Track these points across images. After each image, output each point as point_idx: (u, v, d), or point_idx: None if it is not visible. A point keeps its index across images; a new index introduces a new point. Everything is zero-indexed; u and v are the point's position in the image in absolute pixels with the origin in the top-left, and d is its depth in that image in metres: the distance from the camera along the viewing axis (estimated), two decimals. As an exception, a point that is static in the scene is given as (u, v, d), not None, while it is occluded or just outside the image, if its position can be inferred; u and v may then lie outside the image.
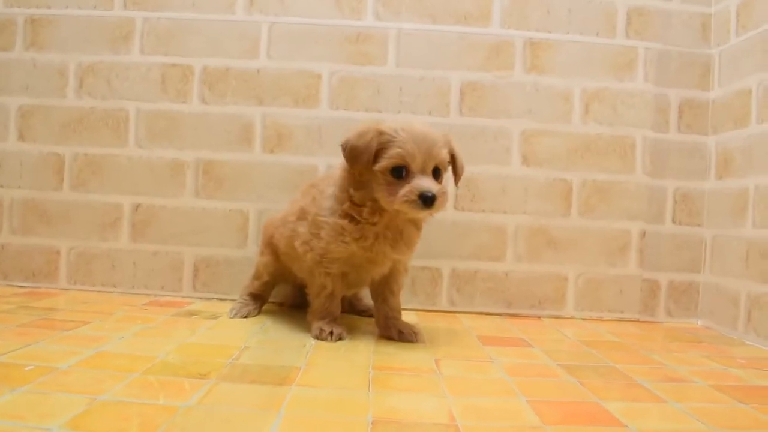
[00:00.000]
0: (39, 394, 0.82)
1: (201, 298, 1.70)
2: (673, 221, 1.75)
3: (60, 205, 1.73)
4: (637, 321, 1.73)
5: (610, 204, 1.74)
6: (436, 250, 1.70)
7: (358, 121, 1.67)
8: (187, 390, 0.87)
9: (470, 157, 1.69)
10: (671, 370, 1.17)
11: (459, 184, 1.36)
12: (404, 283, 1.44)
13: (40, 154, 1.74)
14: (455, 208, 1.71)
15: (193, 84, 1.72)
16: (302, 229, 1.33)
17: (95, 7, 1.74)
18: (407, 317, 1.45)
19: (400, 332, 1.32)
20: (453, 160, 1.28)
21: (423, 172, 1.19)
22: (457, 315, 1.68)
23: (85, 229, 1.73)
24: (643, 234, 1.74)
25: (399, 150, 1.18)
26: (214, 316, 1.46)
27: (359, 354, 1.17)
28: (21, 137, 1.74)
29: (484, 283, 1.72)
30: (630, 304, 1.74)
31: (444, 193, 1.19)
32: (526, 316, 1.71)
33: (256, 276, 1.54)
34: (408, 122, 1.24)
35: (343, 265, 1.30)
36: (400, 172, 1.19)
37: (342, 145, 1.23)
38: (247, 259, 1.68)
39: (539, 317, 1.71)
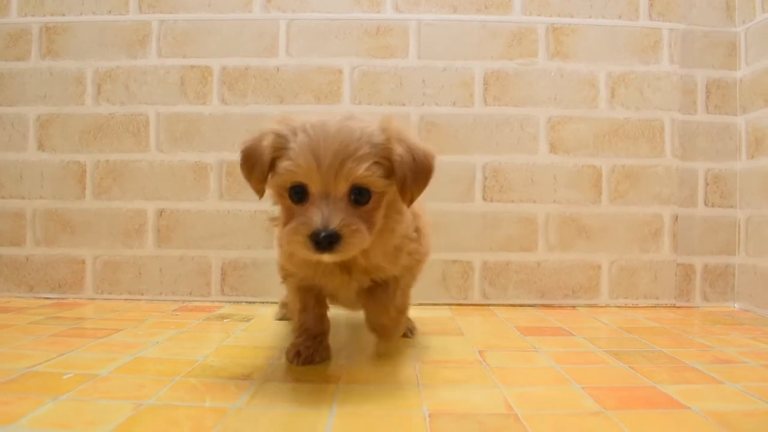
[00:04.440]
0: (81, 401, 0.80)
1: (230, 302, 1.68)
2: (706, 203, 1.72)
3: (83, 213, 1.71)
4: (674, 306, 1.70)
5: (640, 189, 1.70)
6: (467, 243, 1.67)
7: (382, 115, 1.65)
8: (233, 391, 0.85)
9: (497, 146, 1.67)
10: (719, 351, 1.14)
11: (410, 206, 0.94)
12: (410, 291, 1.11)
13: (61, 163, 1.72)
14: (484, 199, 1.68)
15: (213, 85, 1.70)
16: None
17: (110, 12, 1.72)
18: (439, 312, 1.42)
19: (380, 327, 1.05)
20: (396, 169, 0.87)
21: (328, 195, 0.83)
22: (491, 307, 1.65)
23: (110, 237, 1.71)
24: (676, 218, 1.71)
25: (291, 163, 0.84)
26: (247, 319, 1.44)
27: (401, 348, 1.14)
28: (41, 147, 1.72)
29: (516, 274, 1.69)
30: (665, 290, 1.71)
31: (356, 230, 0.83)
32: (560, 306, 1.68)
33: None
34: (324, 118, 0.87)
35: (306, 281, 1.04)
36: (299, 194, 0.86)
37: (240, 151, 0.95)
38: (275, 260, 1.66)
39: (574, 307, 1.68)
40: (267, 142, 0.87)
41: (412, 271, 1.07)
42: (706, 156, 1.72)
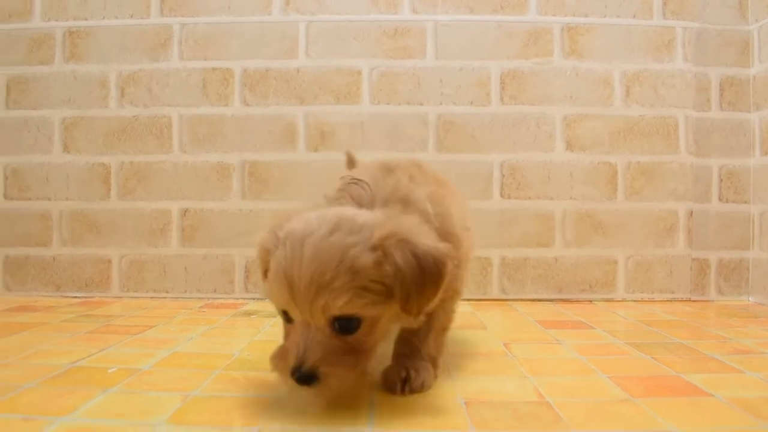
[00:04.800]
0: (131, 393, 0.83)
1: (254, 299, 1.71)
2: (720, 199, 1.75)
3: (109, 214, 1.75)
4: (689, 300, 1.73)
5: (655, 185, 1.73)
6: (485, 240, 1.70)
7: (401, 115, 1.69)
8: (274, 383, 0.88)
9: (513, 145, 1.70)
10: (738, 343, 1.17)
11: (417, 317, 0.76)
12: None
13: (86, 164, 1.76)
14: (502, 196, 1.71)
15: (234, 87, 1.74)
16: None
17: (131, 16, 1.76)
18: (460, 307, 1.44)
19: (406, 376, 0.84)
20: (395, 288, 0.72)
21: (309, 323, 0.72)
22: (510, 302, 1.68)
23: (135, 237, 1.75)
24: (691, 213, 1.74)
25: (268, 286, 0.76)
26: (273, 315, 1.47)
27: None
28: (66, 149, 1.76)
29: (534, 269, 1.72)
30: (680, 284, 1.73)
31: (334, 372, 0.71)
32: (578, 301, 1.71)
33: None
34: (311, 224, 0.73)
35: None
36: (287, 315, 0.76)
37: None
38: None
39: (591, 301, 1.71)
40: (258, 255, 0.80)
41: (446, 306, 0.92)
42: (720, 152, 1.75)
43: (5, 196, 1.77)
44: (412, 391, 0.83)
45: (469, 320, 1.41)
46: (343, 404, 0.78)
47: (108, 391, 0.83)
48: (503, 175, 1.71)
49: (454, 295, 0.93)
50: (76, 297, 1.73)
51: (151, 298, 1.73)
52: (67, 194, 1.76)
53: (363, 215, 0.76)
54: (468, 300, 1.68)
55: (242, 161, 1.73)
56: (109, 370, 0.95)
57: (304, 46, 1.73)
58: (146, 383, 0.88)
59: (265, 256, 0.77)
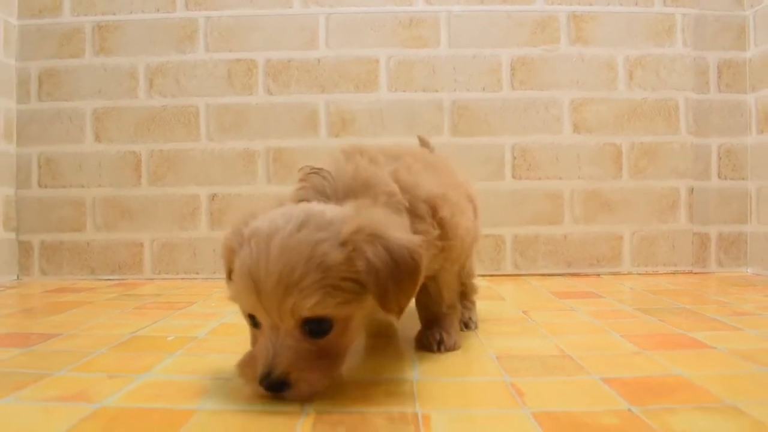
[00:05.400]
0: (195, 356, 0.92)
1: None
2: (719, 176, 1.85)
3: (140, 200, 1.85)
4: (691, 272, 1.83)
5: (658, 164, 1.83)
6: (498, 218, 1.80)
7: (417, 102, 1.78)
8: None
9: (523, 128, 1.80)
10: (737, 306, 1.27)
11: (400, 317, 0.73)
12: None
13: (118, 153, 1.85)
14: (513, 177, 1.81)
15: (258, 77, 1.83)
16: None
17: (158, 10, 1.85)
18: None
19: (440, 338, 0.93)
20: (369, 285, 0.68)
21: (277, 327, 0.68)
22: (523, 277, 1.78)
23: (166, 221, 1.84)
24: (692, 190, 1.83)
25: (233, 288, 0.71)
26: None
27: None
28: (97, 138, 1.85)
29: (544, 246, 1.82)
30: (683, 257, 1.83)
31: (304, 378, 0.67)
32: (586, 275, 1.81)
33: None
34: (276, 222, 0.69)
35: None
36: (253, 319, 0.71)
37: None
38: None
39: (598, 275, 1.81)
40: (222, 255, 0.75)
41: (446, 267, 0.92)
42: (719, 132, 1.84)
43: (39, 185, 1.86)
44: (447, 350, 0.92)
45: (487, 293, 1.50)
46: (389, 358, 0.88)
47: (174, 354, 0.93)
48: (514, 157, 1.81)
49: (449, 261, 0.91)
50: (110, 279, 1.83)
51: (182, 279, 1.83)
52: (100, 181, 1.85)
53: (331, 210, 0.72)
54: (483, 275, 1.78)
55: (267, 148, 1.82)
56: (168, 338, 1.04)
57: (324, 37, 1.82)
58: (206, 348, 0.97)
59: (230, 255, 0.72)
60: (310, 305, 0.65)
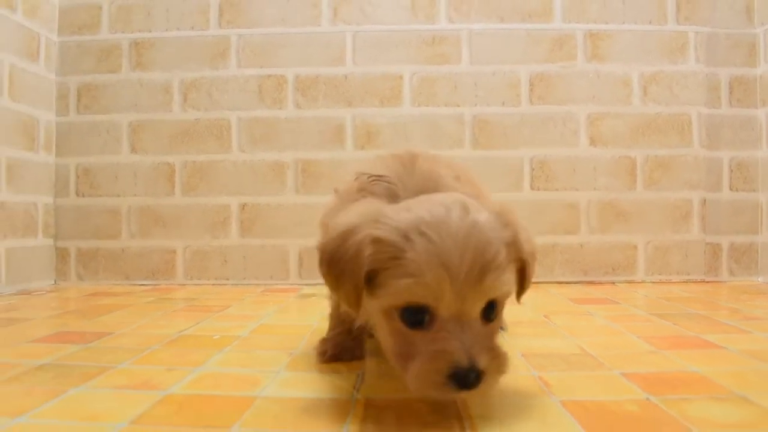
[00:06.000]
0: (242, 352, 0.99)
1: (308, 284, 1.88)
2: (731, 188, 1.91)
3: (173, 209, 1.93)
4: (703, 281, 1.89)
5: (671, 176, 1.90)
6: (517, 228, 1.86)
7: (440, 116, 1.86)
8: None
9: (542, 141, 1.87)
10: (748, 312, 1.33)
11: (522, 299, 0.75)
12: None
13: (152, 163, 1.93)
14: (532, 188, 1.88)
15: (288, 92, 1.91)
16: None
17: (192, 27, 1.93)
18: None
19: None
20: (522, 269, 0.69)
21: (461, 316, 0.62)
22: (541, 285, 1.84)
23: (198, 229, 1.92)
24: (704, 202, 1.90)
25: (410, 280, 0.61)
26: (329, 296, 1.64)
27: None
28: (133, 150, 1.94)
29: (561, 255, 1.89)
30: (695, 267, 1.90)
31: (502, 363, 0.64)
32: (601, 283, 1.88)
33: None
34: (435, 211, 0.64)
35: None
36: (417, 317, 0.63)
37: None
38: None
39: (613, 283, 1.88)
40: (366, 252, 0.63)
41: None
42: (731, 145, 1.91)
43: (77, 193, 1.95)
44: None
45: (509, 299, 1.57)
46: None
47: (223, 350, 1.00)
48: (533, 169, 1.88)
49: None
50: (144, 285, 1.91)
51: (213, 285, 1.91)
52: (135, 191, 1.94)
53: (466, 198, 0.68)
54: (502, 282, 1.85)
55: (296, 159, 1.90)
56: (214, 337, 1.11)
57: (351, 54, 1.91)
58: (251, 345, 1.04)
59: (382, 250, 0.63)
60: (505, 282, 0.63)
